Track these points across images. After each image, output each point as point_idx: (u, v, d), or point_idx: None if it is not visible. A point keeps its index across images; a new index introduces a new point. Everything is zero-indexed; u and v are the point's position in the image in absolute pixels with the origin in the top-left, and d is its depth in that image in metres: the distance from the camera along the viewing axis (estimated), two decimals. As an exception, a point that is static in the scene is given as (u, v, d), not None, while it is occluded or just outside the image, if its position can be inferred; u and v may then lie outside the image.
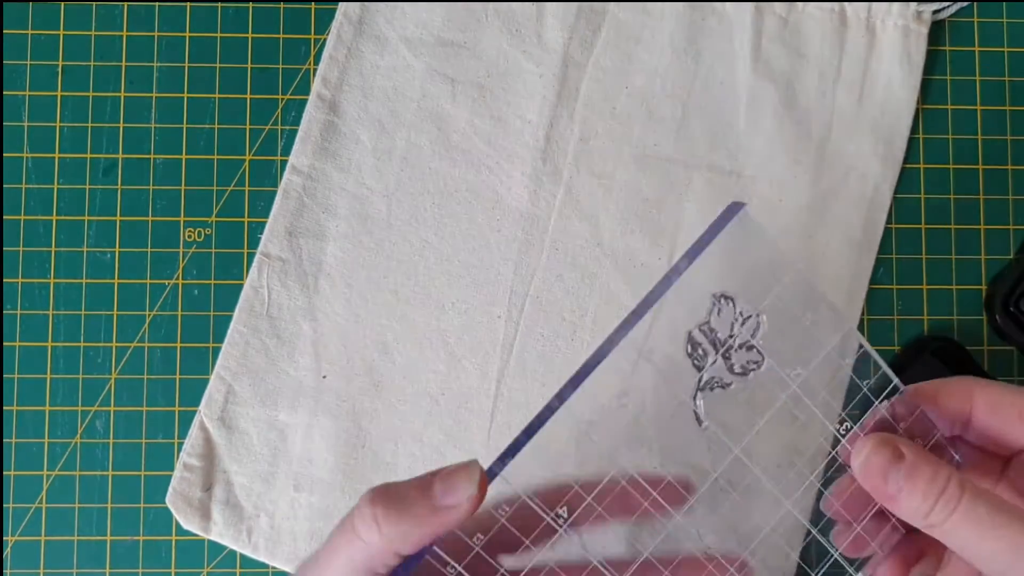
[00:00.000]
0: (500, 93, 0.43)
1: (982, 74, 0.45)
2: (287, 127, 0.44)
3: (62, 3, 0.44)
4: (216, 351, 0.43)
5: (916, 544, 0.31)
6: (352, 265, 0.43)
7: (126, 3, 0.44)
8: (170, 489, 0.42)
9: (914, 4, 0.44)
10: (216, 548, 0.42)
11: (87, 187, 0.43)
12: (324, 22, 0.44)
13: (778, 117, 0.43)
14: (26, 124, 0.44)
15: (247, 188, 0.44)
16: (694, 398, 0.30)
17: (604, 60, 0.44)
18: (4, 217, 0.43)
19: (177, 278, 0.43)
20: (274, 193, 0.43)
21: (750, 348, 0.30)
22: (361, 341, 0.42)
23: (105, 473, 0.43)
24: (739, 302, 0.30)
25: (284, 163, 0.43)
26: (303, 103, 0.43)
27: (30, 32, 0.44)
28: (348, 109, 0.43)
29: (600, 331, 0.42)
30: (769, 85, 0.44)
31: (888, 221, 0.44)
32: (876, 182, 0.44)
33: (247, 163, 0.44)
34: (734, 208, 0.28)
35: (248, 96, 0.44)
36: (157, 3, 0.44)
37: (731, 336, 0.30)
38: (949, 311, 0.44)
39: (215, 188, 0.44)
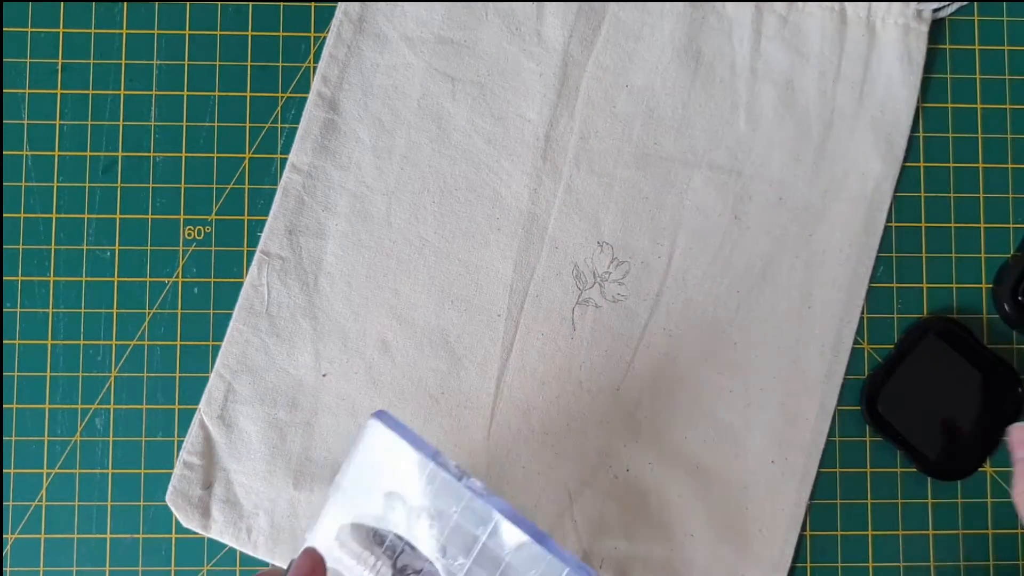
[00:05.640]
0: (500, 92, 0.43)
1: (982, 72, 0.45)
2: (287, 125, 0.44)
3: (62, 1, 0.44)
4: (216, 349, 0.43)
5: None
6: (352, 263, 0.43)
7: (126, 1, 0.44)
8: (170, 487, 0.42)
9: (914, 3, 0.44)
10: (216, 546, 0.42)
11: (87, 185, 0.43)
12: (324, 20, 0.44)
13: (778, 116, 0.43)
14: (26, 122, 0.44)
15: (247, 186, 0.44)
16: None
17: (604, 59, 0.43)
18: (4, 215, 0.43)
19: (177, 276, 0.43)
20: (274, 191, 0.43)
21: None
22: (361, 339, 0.42)
23: (105, 471, 0.43)
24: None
25: (284, 161, 0.43)
26: (303, 101, 0.43)
27: (30, 30, 0.44)
28: (348, 107, 0.43)
29: (600, 329, 0.42)
30: (769, 84, 0.43)
31: (888, 219, 0.44)
32: (876, 180, 0.44)
33: (247, 161, 0.44)
34: None
35: (248, 94, 0.44)
36: (157, 1, 0.44)
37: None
38: (950, 309, 0.44)
39: (215, 186, 0.44)
